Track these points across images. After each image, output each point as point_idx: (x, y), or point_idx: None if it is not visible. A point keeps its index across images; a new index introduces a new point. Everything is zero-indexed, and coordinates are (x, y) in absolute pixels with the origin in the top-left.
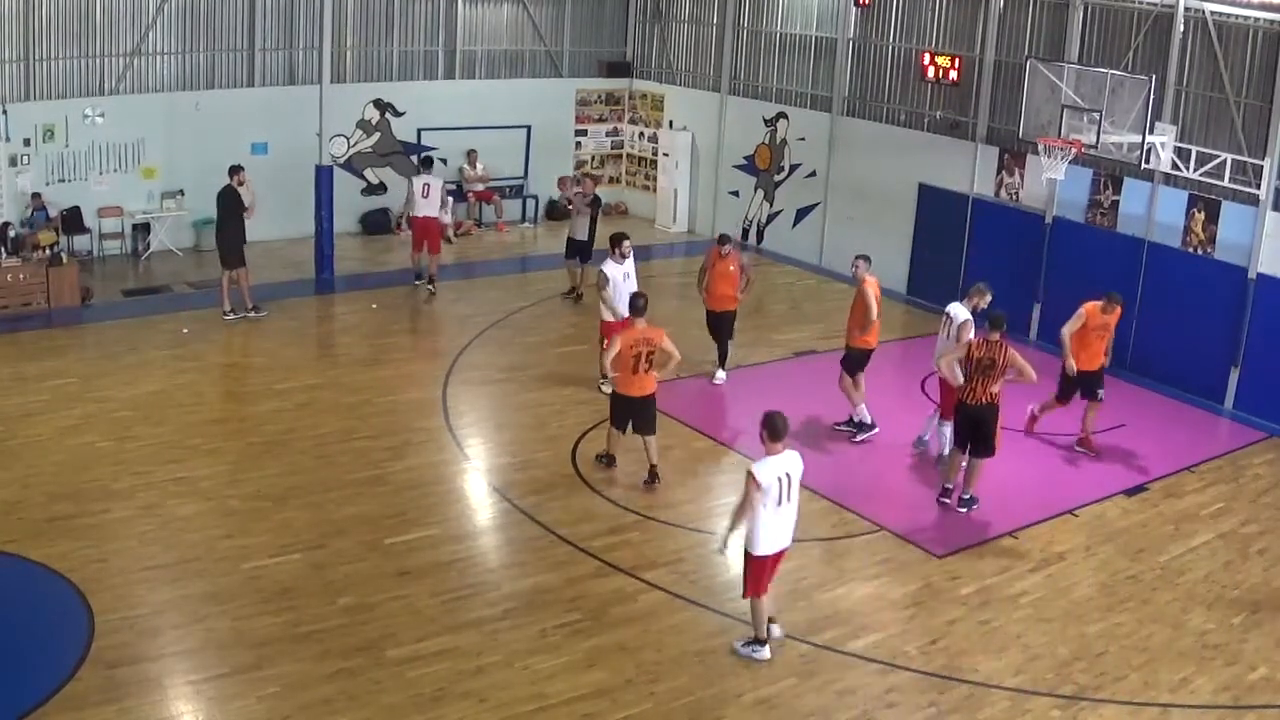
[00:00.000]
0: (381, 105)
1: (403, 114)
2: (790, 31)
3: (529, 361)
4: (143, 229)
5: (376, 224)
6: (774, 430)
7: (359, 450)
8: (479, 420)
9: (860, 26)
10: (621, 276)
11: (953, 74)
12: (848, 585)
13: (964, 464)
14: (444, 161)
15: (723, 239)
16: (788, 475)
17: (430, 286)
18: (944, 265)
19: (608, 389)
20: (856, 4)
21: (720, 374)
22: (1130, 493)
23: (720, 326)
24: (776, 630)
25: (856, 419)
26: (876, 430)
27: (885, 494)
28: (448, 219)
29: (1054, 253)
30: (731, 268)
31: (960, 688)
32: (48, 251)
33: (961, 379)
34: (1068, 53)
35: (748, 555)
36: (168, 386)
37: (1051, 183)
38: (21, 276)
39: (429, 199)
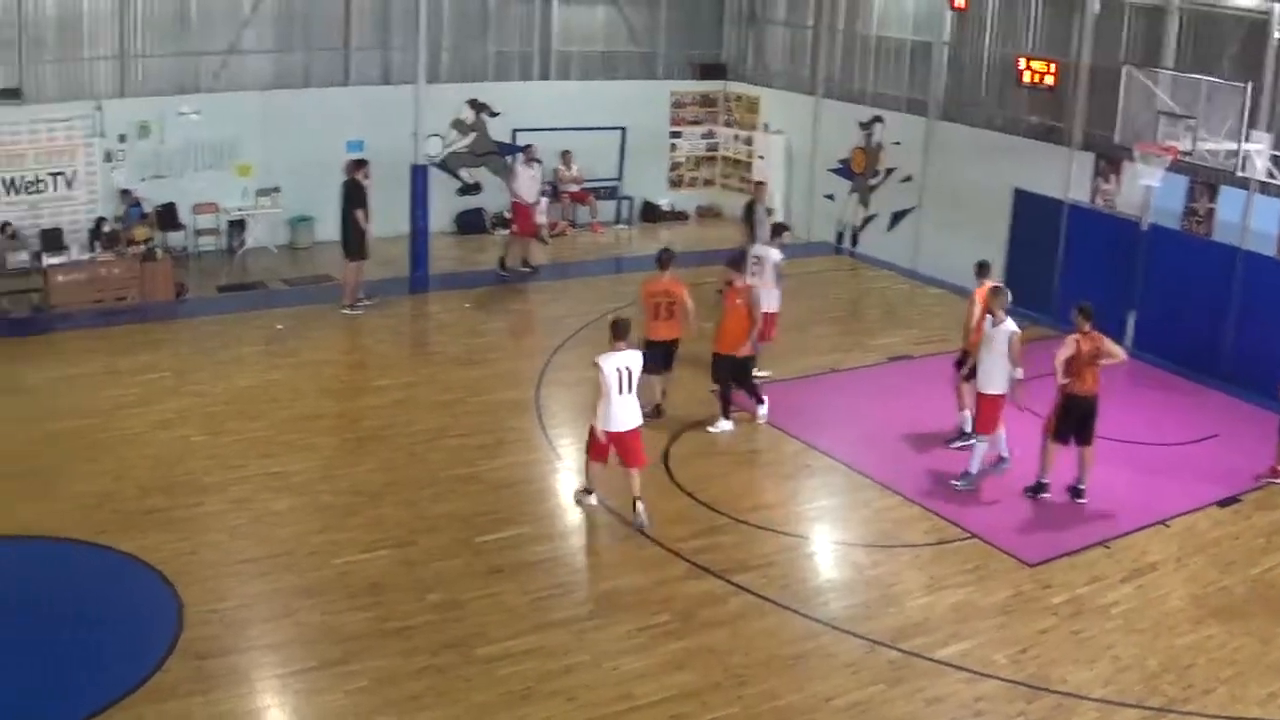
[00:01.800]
0: (477, 105)
1: (498, 114)
2: (886, 35)
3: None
4: (238, 225)
5: (471, 223)
6: (616, 331)
7: (452, 448)
8: (571, 420)
9: (956, 30)
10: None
11: (1048, 79)
12: (938, 592)
13: (1051, 453)
14: (539, 162)
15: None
16: (628, 369)
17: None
18: (1039, 271)
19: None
20: (952, 8)
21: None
22: (1223, 504)
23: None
24: (594, 500)
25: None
26: (973, 441)
27: (978, 501)
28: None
29: (1149, 260)
30: (739, 301)
31: (1049, 697)
32: (142, 247)
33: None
34: (1163, 59)
35: (591, 430)
36: (262, 382)
37: (1147, 189)
38: (116, 271)
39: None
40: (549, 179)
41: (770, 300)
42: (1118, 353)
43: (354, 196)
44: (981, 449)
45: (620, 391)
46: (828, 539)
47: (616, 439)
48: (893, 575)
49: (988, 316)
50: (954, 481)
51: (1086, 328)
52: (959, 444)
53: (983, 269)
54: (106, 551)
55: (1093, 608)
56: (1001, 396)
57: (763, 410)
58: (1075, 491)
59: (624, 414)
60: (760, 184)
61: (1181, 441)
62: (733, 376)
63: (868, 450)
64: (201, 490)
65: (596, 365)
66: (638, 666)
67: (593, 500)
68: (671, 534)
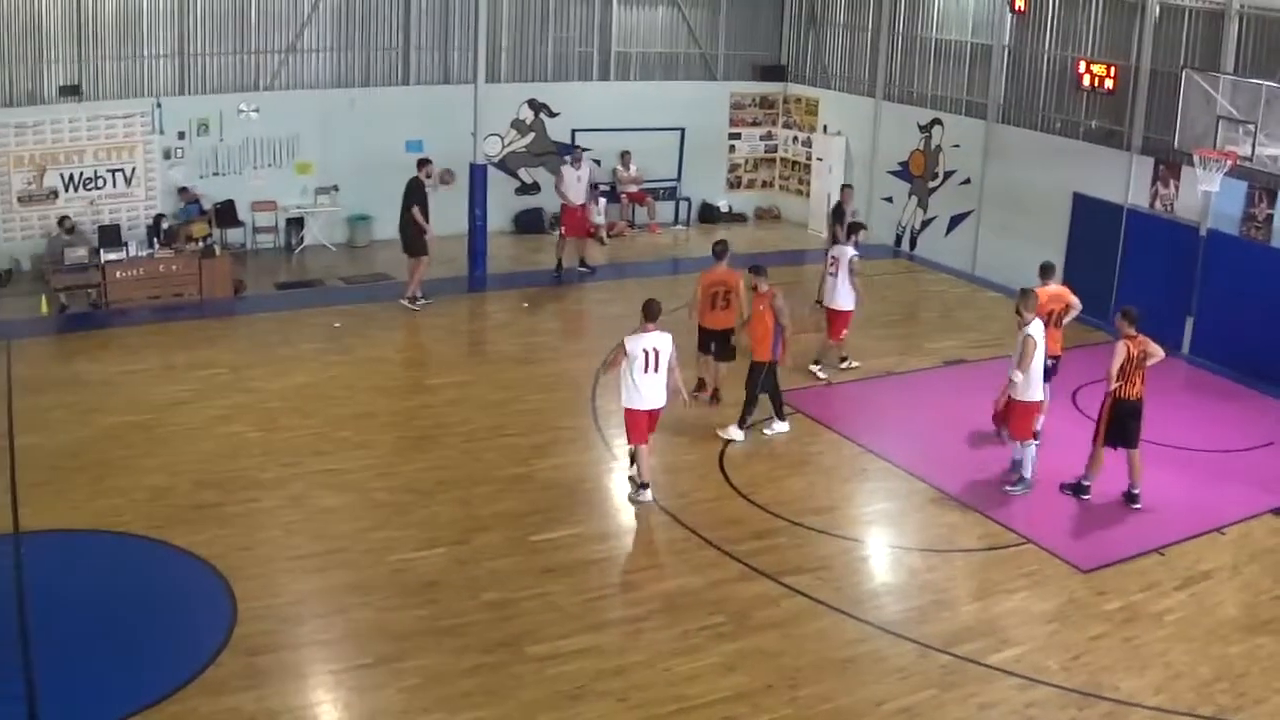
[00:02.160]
0: (536, 105)
1: (557, 114)
2: (946, 37)
3: (679, 363)
4: (296, 223)
5: (529, 223)
6: (647, 312)
7: (507, 447)
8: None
9: (1016, 33)
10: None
11: (1108, 83)
12: (992, 597)
13: (1100, 459)
14: (598, 163)
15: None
16: (654, 349)
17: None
18: (1098, 276)
19: (823, 375)
20: (1012, 11)
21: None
22: (1278, 512)
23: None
24: (649, 496)
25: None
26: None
27: (1033, 507)
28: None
29: (1208, 266)
30: (761, 306)
31: (1101, 704)
32: (200, 244)
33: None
34: (1223, 63)
35: (626, 410)
36: (318, 379)
37: (1206, 195)
38: (174, 268)
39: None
40: (608, 180)
41: (844, 298)
42: (1158, 351)
43: (413, 194)
44: (1030, 452)
45: (645, 371)
46: (882, 543)
47: (649, 416)
48: (946, 580)
49: (1016, 318)
50: (1007, 486)
51: (1132, 331)
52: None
53: (1046, 271)
54: (162, 546)
55: (1146, 615)
56: (1038, 404)
57: (779, 426)
58: (1130, 497)
59: (650, 393)
60: (848, 187)
61: (1238, 448)
62: (759, 382)
63: (923, 454)
64: (256, 486)
65: (621, 345)
66: (690, 668)
67: (647, 496)
68: (726, 536)
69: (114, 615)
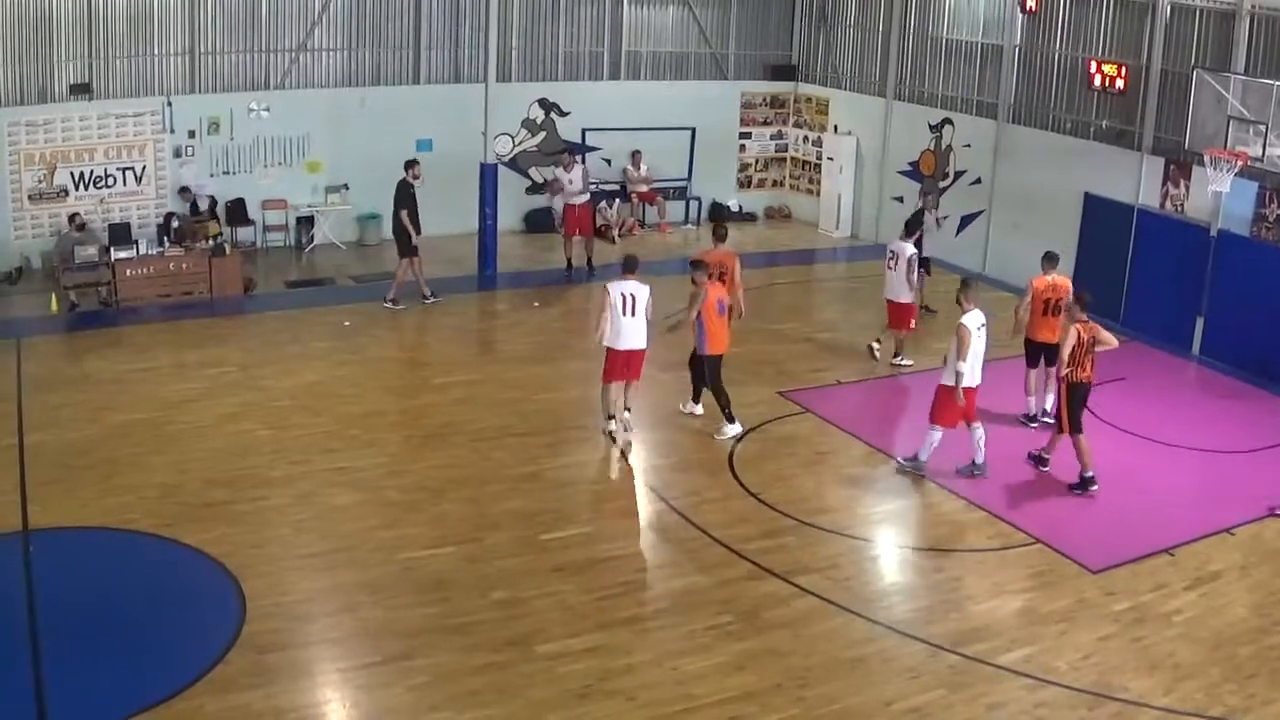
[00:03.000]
0: (547, 105)
1: (568, 114)
2: (956, 37)
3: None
4: (306, 222)
5: (540, 222)
6: (626, 264)
7: (516, 446)
8: (637, 420)
9: (1027, 33)
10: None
11: (1119, 83)
12: (1001, 598)
13: (1084, 445)
14: (608, 162)
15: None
16: (632, 295)
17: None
18: (1108, 276)
19: (906, 361)
20: (1023, 10)
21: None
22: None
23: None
24: (615, 426)
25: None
26: (1036, 426)
27: (1043, 507)
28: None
29: (1218, 266)
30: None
31: (1110, 705)
32: (211, 242)
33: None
34: (1234, 63)
35: (606, 350)
36: (328, 378)
37: (1217, 195)
38: (184, 266)
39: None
40: (619, 179)
41: (903, 292)
42: (1110, 340)
43: (399, 196)
44: (934, 437)
45: (624, 313)
46: (891, 542)
47: (625, 357)
48: (956, 580)
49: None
50: (899, 459)
51: (1083, 316)
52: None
53: (1049, 260)
54: (171, 543)
55: (1155, 615)
56: (968, 390)
57: (729, 429)
58: (1040, 460)
59: (631, 335)
60: (929, 194)
61: (1249, 449)
62: (717, 372)
63: (933, 453)
64: (266, 484)
65: (604, 289)
66: (698, 667)
67: (612, 425)
68: (736, 535)
69: (123, 613)
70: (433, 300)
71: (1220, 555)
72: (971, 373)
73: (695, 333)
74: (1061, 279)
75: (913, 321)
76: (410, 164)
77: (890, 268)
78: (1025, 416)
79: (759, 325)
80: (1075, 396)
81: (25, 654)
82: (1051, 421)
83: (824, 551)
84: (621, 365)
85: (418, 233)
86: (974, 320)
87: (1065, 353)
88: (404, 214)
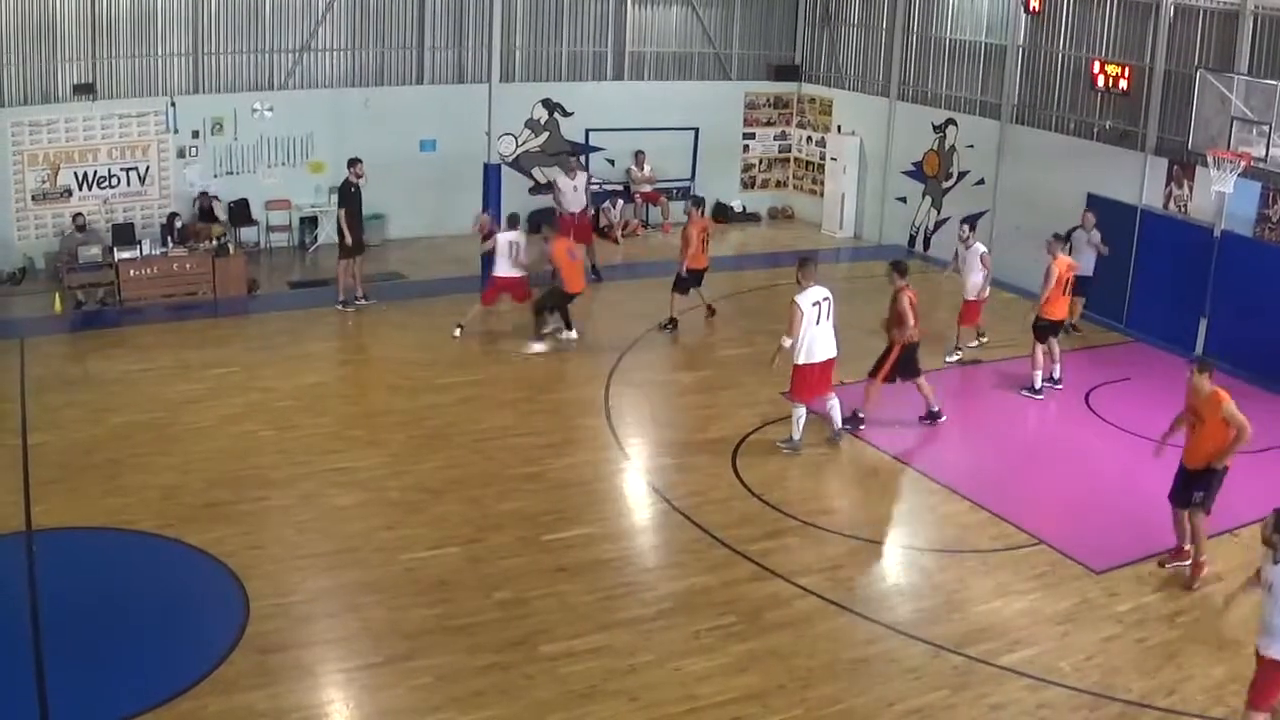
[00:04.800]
0: (550, 105)
1: (571, 114)
2: (960, 37)
3: (693, 362)
4: (310, 222)
5: (543, 223)
6: (510, 221)
7: (519, 446)
8: (640, 420)
9: (1030, 33)
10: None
11: (1123, 83)
12: (1004, 598)
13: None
14: (612, 162)
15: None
16: (515, 243)
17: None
18: (1111, 277)
19: (953, 358)
20: (1027, 10)
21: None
22: None
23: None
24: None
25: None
26: (1041, 396)
27: (1046, 507)
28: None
29: (1221, 267)
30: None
31: (1112, 706)
32: (214, 243)
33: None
34: (1238, 63)
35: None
36: (330, 378)
37: (1220, 196)
38: (188, 266)
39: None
40: (623, 179)
41: (970, 288)
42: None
43: (340, 195)
44: (797, 413)
45: (508, 257)
46: (895, 543)
47: (504, 284)
48: (959, 580)
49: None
50: (779, 443)
51: (903, 283)
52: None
53: (1062, 238)
54: (174, 544)
55: (1158, 616)
56: (811, 366)
57: (535, 345)
58: (855, 420)
59: (504, 267)
60: (1088, 212)
61: (1252, 450)
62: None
63: (936, 455)
64: (268, 485)
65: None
66: (702, 667)
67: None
68: (739, 535)
69: (126, 613)
70: (364, 304)
71: (1224, 557)
72: (811, 349)
73: (556, 277)
74: (1072, 260)
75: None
76: (352, 162)
77: (954, 268)
78: (1031, 388)
79: (763, 326)
80: (908, 354)
81: (28, 654)
82: (1061, 387)
83: (827, 552)
84: (495, 289)
85: (354, 236)
86: (807, 298)
87: (911, 319)
88: (342, 214)
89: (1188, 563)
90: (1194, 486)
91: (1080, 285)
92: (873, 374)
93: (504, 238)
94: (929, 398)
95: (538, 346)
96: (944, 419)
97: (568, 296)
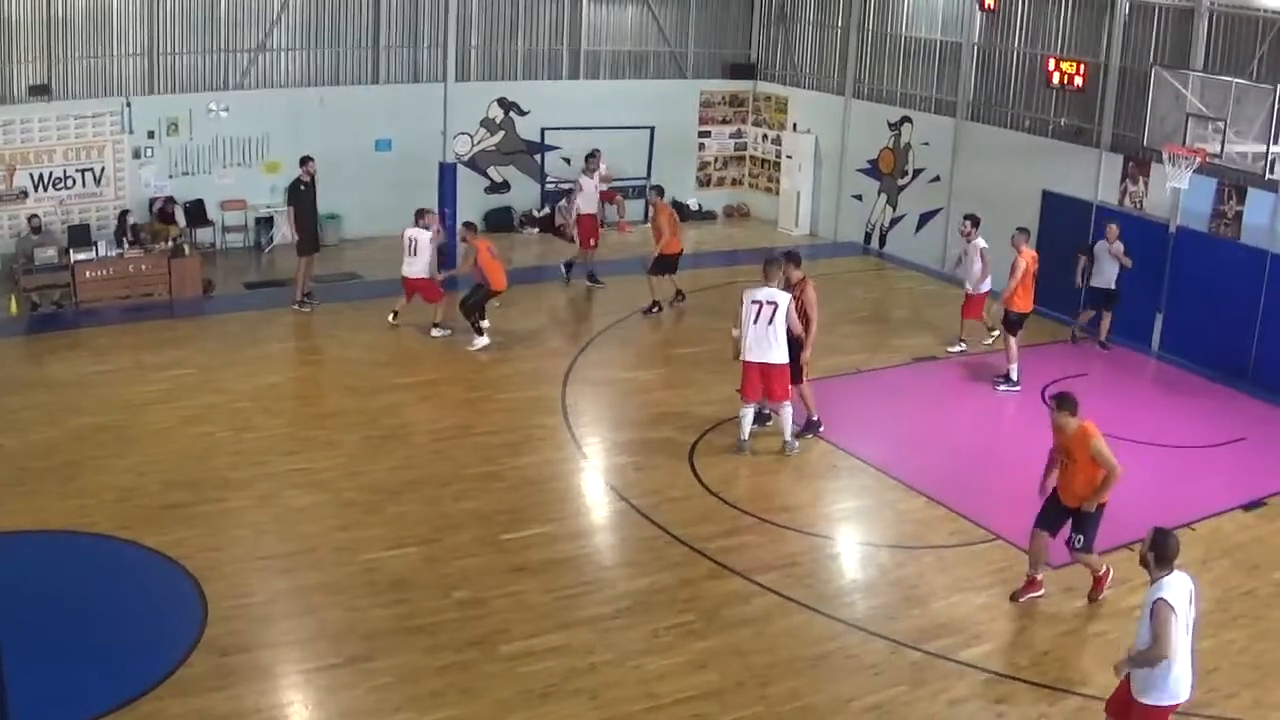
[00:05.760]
0: (506, 104)
1: (527, 113)
2: (915, 35)
3: (650, 361)
4: (265, 223)
5: (500, 221)
6: (416, 216)
7: (476, 446)
8: (598, 419)
9: (985, 31)
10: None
11: (1078, 80)
12: (962, 594)
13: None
14: (567, 161)
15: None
16: (414, 239)
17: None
18: (1067, 273)
19: (956, 348)
20: (981, 8)
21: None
22: (1248, 507)
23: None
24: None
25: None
26: (1017, 389)
27: (1003, 503)
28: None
29: (1177, 263)
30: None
31: (1071, 699)
32: (170, 243)
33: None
34: (1193, 60)
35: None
36: (287, 379)
37: (1175, 192)
38: (144, 267)
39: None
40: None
41: (972, 282)
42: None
43: (290, 194)
44: (787, 413)
45: (408, 255)
46: (853, 540)
47: (409, 285)
48: (917, 576)
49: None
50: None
51: (799, 275)
52: (1004, 388)
53: (1022, 232)
54: (132, 546)
55: (1115, 610)
56: (745, 364)
57: (480, 341)
58: (813, 426)
59: (412, 268)
60: (1111, 224)
61: (1208, 444)
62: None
63: (893, 451)
64: (226, 486)
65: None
66: (661, 666)
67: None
68: (697, 533)
69: (85, 616)
70: (303, 306)
71: (1181, 551)
72: (748, 347)
73: (480, 276)
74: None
75: (983, 312)
76: (304, 160)
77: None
78: (1005, 378)
79: (721, 324)
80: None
81: None
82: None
83: (785, 549)
84: (410, 287)
85: (300, 235)
86: (749, 295)
87: (815, 315)
88: (290, 213)
89: (1040, 593)
90: (1073, 527)
91: (1104, 299)
92: (794, 380)
93: (406, 235)
94: (810, 404)
95: (481, 342)
96: (823, 428)
97: (491, 294)
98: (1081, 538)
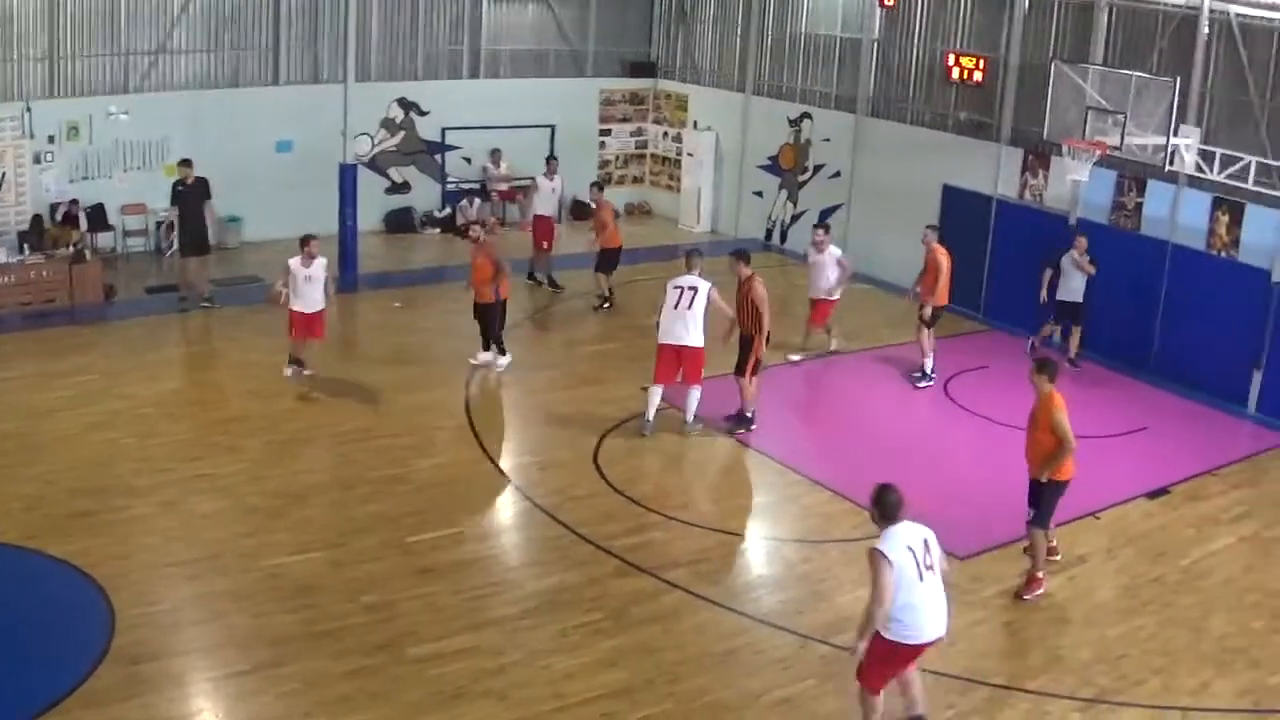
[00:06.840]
0: (406, 104)
1: (427, 113)
2: (815, 32)
3: (553, 360)
4: (166, 226)
5: (400, 222)
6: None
7: (380, 448)
8: (501, 419)
9: (885, 27)
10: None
11: (977, 75)
12: (868, 587)
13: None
14: (468, 160)
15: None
16: (305, 274)
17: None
18: (968, 266)
19: (796, 357)
20: (881, 5)
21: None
22: (1152, 496)
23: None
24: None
25: (926, 369)
26: (933, 383)
27: (908, 495)
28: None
29: None
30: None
31: (981, 690)
32: (71, 249)
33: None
34: (1093, 54)
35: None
36: (190, 384)
37: (1075, 184)
38: (45, 273)
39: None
40: (478, 177)
41: (820, 288)
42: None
43: (172, 196)
44: (695, 394)
45: (303, 280)
46: (758, 535)
47: (301, 319)
48: (823, 570)
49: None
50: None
51: (748, 271)
52: (923, 384)
53: (933, 229)
54: (37, 556)
55: (1024, 600)
56: (660, 346)
57: (494, 358)
58: (744, 420)
59: (308, 300)
60: (1080, 236)
61: (1111, 434)
62: (481, 320)
63: (795, 446)
64: (131, 493)
65: (287, 266)
66: (570, 665)
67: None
68: (603, 532)
69: None
70: (188, 307)
71: (1086, 539)
72: (663, 330)
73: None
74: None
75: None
76: (182, 163)
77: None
78: (923, 373)
79: (625, 322)
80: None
81: None
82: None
83: (691, 546)
84: (303, 326)
85: (183, 238)
86: (673, 281)
87: (765, 313)
88: (174, 213)
89: (1040, 591)
90: (1028, 500)
91: (1072, 313)
92: (739, 371)
93: (296, 263)
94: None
95: (503, 360)
96: (755, 426)
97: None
98: (1033, 511)
